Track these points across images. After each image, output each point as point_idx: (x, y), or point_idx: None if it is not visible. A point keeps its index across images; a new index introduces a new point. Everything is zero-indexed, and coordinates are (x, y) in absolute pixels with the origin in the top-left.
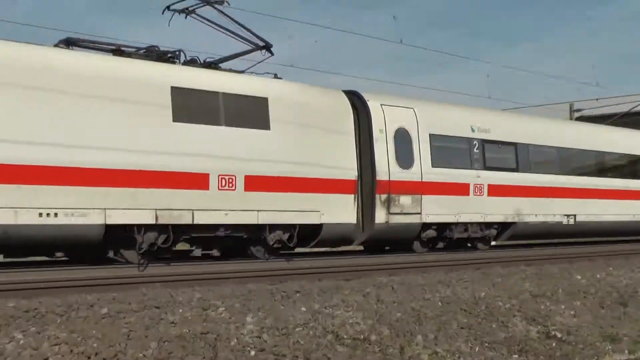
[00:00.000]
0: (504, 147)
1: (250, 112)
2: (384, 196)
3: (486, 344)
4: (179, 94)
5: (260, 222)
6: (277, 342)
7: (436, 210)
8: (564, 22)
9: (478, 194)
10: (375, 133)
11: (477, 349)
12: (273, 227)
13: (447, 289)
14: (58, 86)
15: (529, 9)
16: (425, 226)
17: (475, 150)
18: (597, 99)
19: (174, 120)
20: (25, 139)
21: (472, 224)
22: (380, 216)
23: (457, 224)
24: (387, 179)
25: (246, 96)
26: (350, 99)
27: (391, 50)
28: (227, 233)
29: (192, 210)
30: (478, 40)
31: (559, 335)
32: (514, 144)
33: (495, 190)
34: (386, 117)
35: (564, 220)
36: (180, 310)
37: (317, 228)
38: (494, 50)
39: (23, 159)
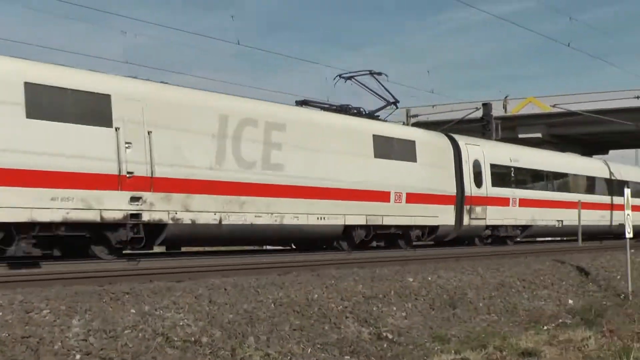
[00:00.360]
0: (526, 172)
1: (406, 150)
2: (467, 207)
3: (318, 346)
4: (376, 139)
5: (411, 223)
6: (105, 345)
7: (493, 216)
8: (406, 28)
9: (514, 205)
10: (463, 163)
11: (309, 350)
12: (415, 227)
13: (281, 290)
14: (321, 138)
15: (373, 15)
16: (486, 228)
17: (512, 174)
18: (434, 106)
19: (374, 157)
20: (311, 175)
21: (509, 226)
22: (465, 220)
23: (502, 226)
24: (470, 194)
25: (403, 139)
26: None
27: (230, 51)
28: (394, 231)
29: (382, 215)
30: (321, 43)
31: (390, 336)
32: (530, 170)
33: (523, 203)
34: (468, 152)
35: (557, 224)
36: (0, 314)
37: (435, 228)
38: (340, 53)
39: (312, 183)
